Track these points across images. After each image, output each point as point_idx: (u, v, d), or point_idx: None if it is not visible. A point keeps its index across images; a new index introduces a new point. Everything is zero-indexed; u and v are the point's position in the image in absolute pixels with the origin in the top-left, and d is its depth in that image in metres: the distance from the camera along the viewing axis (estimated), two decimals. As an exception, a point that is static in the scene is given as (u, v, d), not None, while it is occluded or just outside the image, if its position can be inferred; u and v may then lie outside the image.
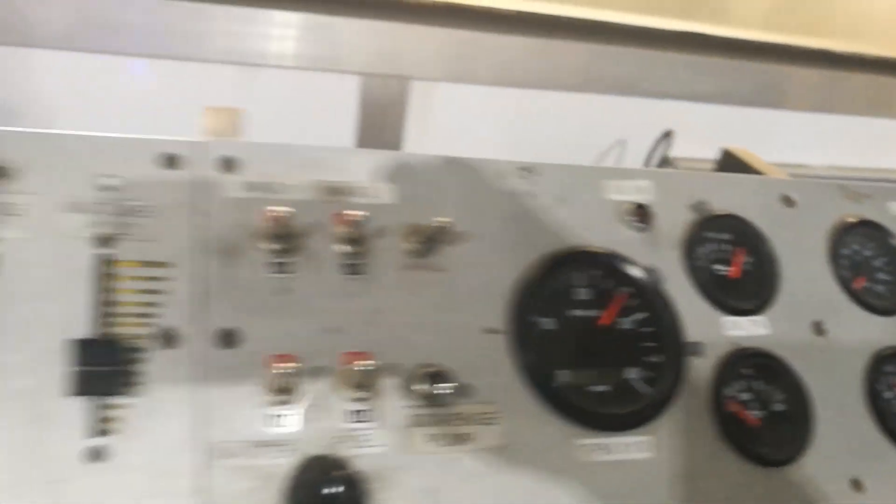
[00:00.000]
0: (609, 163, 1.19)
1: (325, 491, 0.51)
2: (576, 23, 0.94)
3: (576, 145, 1.22)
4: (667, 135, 1.01)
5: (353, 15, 0.86)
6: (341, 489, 0.51)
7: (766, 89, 1.20)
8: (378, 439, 0.55)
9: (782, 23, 1.19)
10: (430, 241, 0.60)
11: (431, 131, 1.04)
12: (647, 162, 1.12)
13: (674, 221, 0.70)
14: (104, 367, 0.51)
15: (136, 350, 0.52)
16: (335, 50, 0.91)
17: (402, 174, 0.63)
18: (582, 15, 0.95)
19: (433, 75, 0.99)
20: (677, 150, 1.15)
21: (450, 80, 1.01)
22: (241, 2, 0.92)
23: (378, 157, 0.62)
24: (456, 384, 0.57)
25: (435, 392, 0.56)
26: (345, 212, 0.59)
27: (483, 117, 1.11)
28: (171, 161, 0.58)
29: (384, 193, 0.62)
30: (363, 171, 0.62)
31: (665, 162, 1.07)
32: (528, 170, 0.67)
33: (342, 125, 0.99)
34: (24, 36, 0.88)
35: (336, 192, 0.61)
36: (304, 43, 0.89)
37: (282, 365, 0.54)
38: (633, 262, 0.66)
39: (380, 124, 0.97)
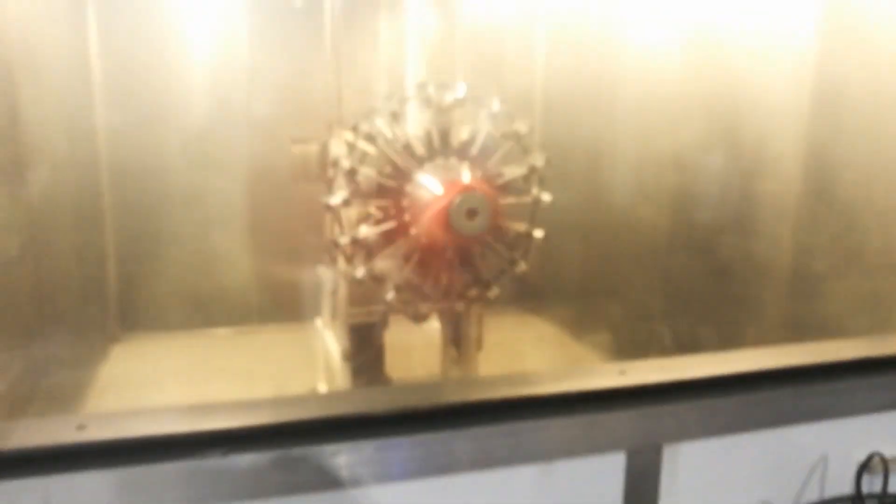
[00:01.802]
0: (816, 478, 1.38)
1: None
2: (773, 372, 1.18)
3: (779, 467, 1.41)
4: (875, 455, 1.21)
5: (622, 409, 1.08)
6: None
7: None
8: None
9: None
10: None
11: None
12: (861, 471, 1.31)
13: None
14: None
15: None
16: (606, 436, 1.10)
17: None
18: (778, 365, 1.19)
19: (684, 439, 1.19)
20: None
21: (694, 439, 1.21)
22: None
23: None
24: None
25: None
26: None
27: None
28: None
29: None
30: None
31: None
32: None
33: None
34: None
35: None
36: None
37: None
38: None
39: (640, 492, 1.16)
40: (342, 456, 0.83)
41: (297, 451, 0.75)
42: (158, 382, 4.26)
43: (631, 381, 1.15)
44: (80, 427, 0.66)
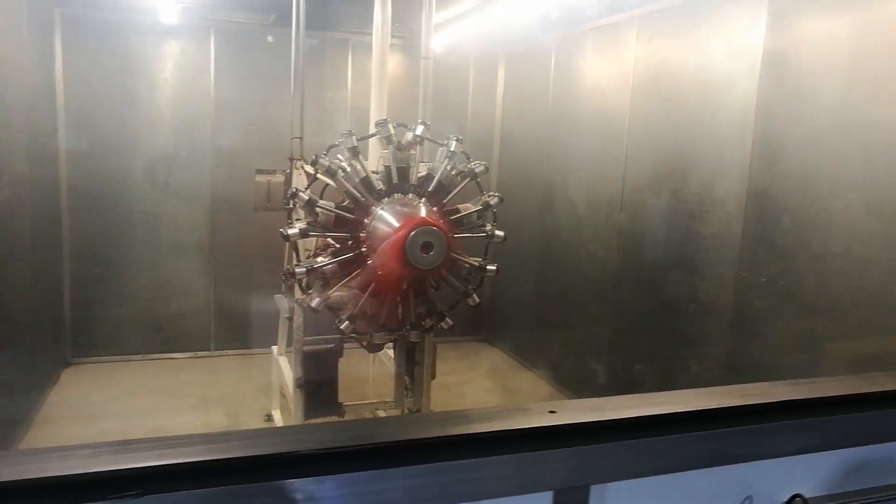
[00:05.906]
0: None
1: None
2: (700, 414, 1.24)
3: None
4: (797, 496, 1.28)
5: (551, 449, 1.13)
6: None
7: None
8: None
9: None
10: None
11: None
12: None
13: None
14: None
15: None
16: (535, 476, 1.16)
17: None
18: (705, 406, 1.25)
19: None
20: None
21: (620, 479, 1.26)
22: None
23: None
24: None
25: None
26: None
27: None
28: None
29: None
30: None
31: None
32: None
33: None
34: None
35: None
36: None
37: None
38: None
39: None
40: (267, 497, 0.85)
41: (219, 492, 0.75)
42: (106, 408, 4.21)
43: (560, 420, 1.21)
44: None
